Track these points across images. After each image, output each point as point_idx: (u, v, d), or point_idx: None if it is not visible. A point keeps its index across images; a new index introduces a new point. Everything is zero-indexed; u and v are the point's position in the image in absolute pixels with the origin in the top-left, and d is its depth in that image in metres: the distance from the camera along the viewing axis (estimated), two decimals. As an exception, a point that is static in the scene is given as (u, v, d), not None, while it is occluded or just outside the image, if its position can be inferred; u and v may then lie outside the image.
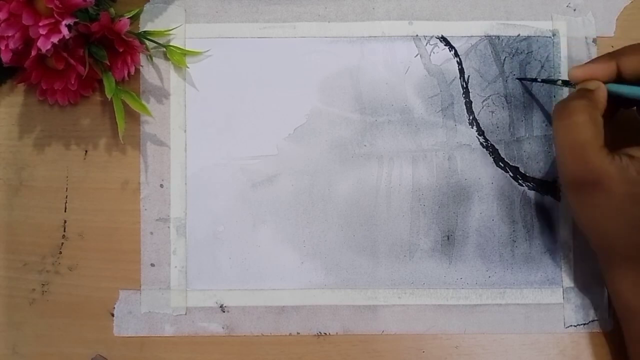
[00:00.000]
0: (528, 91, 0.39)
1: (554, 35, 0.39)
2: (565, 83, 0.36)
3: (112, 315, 0.38)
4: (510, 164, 0.38)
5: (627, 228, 0.31)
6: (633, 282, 0.32)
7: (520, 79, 0.39)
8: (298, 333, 0.38)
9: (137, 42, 0.36)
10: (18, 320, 0.38)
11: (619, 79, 0.33)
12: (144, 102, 0.38)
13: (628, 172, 0.30)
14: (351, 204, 0.38)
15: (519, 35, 0.39)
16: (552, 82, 0.38)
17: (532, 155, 0.38)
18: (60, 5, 0.32)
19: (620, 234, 0.32)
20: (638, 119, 0.35)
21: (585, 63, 0.34)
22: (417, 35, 0.39)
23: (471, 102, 0.39)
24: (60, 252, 0.38)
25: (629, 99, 0.33)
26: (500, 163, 0.38)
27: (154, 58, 0.39)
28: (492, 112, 0.39)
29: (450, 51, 0.39)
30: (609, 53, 0.34)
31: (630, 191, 0.30)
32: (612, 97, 0.33)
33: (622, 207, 0.31)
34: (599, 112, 0.32)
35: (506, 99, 0.39)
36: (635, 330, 0.33)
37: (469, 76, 0.39)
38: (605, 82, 0.33)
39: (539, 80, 0.38)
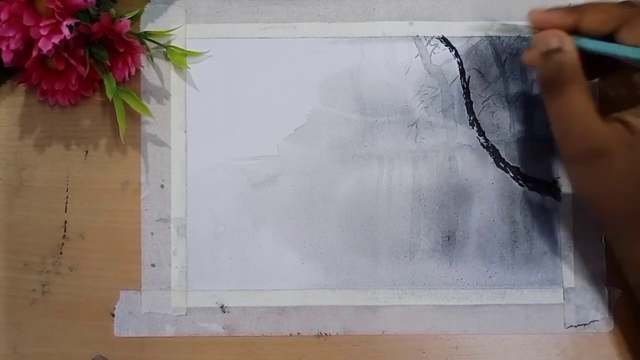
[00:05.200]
0: (529, 91, 0.39)
1: (554, 35, 0.39)
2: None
3: (113, 315, 0.38)
4: (511, 164, 0.38)
5: (631, 194, 0.31)
6: None
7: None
8: (298, 333, 0.38)
9: (137, 43, 0.36)
10: (18, 320, 0.38)
11: (575, 33, 0.32)
12: (144, 103, 0.38)
13: (624, 134, 0.30)
14: (352, 205, 0.38)
15: (519, 35, 0.39)
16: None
17: (532, 155, 0.38)
18: (61, 6, 0.32)
19: (627, 200, 0.31)
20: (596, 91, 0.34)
21: (546, 10, 0.33)
22: (417, 36, 0.39)
23: (472, 102, 0.39)
24: (61, 253, 0.38)
25: (594, 66, 0.31)
26: (500, 163, 0.38)
27: (154, 58, 0.39)
28: (493, 112, 0.39)
29: (450, 52, 0.39)
30: (572, 6, 0.33)
31: (630, 155, 0.30)
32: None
33: (624, 172, 0.30)
34: (584, 78, 0.31)
35: (507, 100, 0.39)
36: None
37: (469, 77, 0.39)
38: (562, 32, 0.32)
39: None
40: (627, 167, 0.30)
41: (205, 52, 0.39)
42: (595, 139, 0.31)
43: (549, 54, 0.32)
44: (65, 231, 0.38)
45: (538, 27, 0.33)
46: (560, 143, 0.32)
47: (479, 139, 0.38)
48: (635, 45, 0.30)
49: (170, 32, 0.38)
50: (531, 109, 0.38)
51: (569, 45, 0.31)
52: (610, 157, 0.30)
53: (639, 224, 0.32)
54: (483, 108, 0.39)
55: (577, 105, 0.31)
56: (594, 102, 0.31)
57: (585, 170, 0.32)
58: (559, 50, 0.31)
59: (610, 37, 0.31)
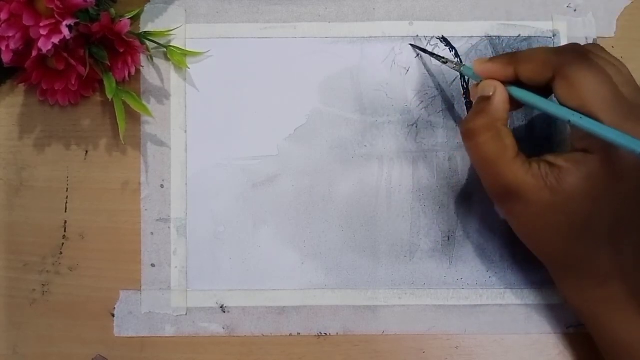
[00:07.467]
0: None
1: (554, 35, 0.39)
2: (456, 65, 0.36)
3: (113, 315, 0.38)
4: (511, 164, 0.38)
5: (555, 236, 0.31)
6: (576, 287, 0.32)
7: (412, 45, 0.39)
8: (298, 333, 0.38)
9: (137, 43, 0.36)
10: (18, 320, 0.38)
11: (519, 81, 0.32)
12: (144, 103, 0.38)
13: (547, 180, 0.30)
14: (352, 205, 0.38)
15: (519, 35, 0.39)
16: (441, 60, 0.37)
17: (532, 155, 0.38)
18: (60, 6, 0.32)
19: (550, 242, 0.31)
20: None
21: (489, 59, 0.33)
22: (417, 36, 0.39)
23: (472, 102, 0.38)
24: (61, 253, 0.38)
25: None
26: (500, 163, 0.38)
27: (154, 58, 0.39)
28: (493, 112, 0.38)
29: (450, 52, 0.39)
30: (510, 55, 0.32)
31: (551, 199, 0.30)
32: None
33: (545, 216, 0.30)
34: (501, 123, 0.31)
35: (507, 100, 0.38)
36: (595, 334, 0.33)
37: (469, 77, 0.39)
38: (505, 82, 0.32)
39: (430, 52, 0.38)
40: (546, 209, 0.30)
41: (205, 52, 0.39)
42: (510, 183, 0.30)
43: (480, 100, 0.32)
44: (65, 231, 0.38)
45: (483, 76, 0.33)
46: (482, 182, 0.33)
47: (479, 139, 0.38)
48: (562, 102, 0.30)
49: (170, 32, 0.38)
50: (531, 109, 0.38)
51: (499, 94, 0.32)
52: (528, 199, 0.30)
53: (565, 265, 0.32)
54: (483, 108, 0.38)
55: (488, 151, 0.31)
56: (513, 144, 0.31)
57: (507, 209, 0.32)
58: (489, 98, 0.32)
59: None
